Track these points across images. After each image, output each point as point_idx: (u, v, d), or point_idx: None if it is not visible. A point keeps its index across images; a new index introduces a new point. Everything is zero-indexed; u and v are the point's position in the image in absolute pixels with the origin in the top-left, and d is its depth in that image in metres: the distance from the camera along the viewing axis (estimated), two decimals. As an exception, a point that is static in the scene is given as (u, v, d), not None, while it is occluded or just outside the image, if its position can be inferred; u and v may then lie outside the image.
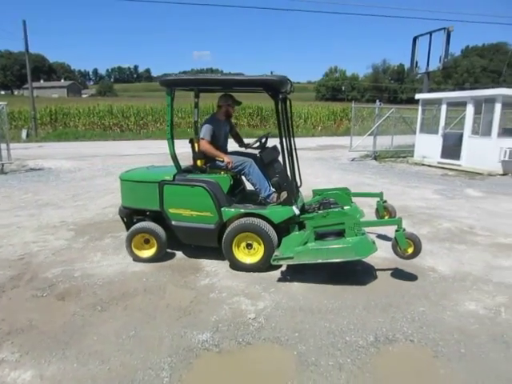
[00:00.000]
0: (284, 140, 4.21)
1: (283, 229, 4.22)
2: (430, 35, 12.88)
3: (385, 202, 5.01)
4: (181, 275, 4.03)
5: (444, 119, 12.00)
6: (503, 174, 10.63)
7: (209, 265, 4.29)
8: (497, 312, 3.23)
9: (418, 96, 13.05)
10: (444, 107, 11.94)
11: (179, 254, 4.60)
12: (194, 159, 4.45)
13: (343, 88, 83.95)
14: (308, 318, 3.18)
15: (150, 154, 14.51)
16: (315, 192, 5.06)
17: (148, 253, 4.38)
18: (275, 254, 3.80)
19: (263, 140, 4.59)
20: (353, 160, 13.90)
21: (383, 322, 3.08)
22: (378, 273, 4.03)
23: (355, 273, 4.06)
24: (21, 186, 8.65)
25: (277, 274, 4.04)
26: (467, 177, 10.42)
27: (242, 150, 4.88)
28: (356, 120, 16.23)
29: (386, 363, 2.61)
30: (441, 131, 11.99)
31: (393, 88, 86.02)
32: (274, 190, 4.37)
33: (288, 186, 4.19)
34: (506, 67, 26.83)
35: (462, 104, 11.64)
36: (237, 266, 4.15)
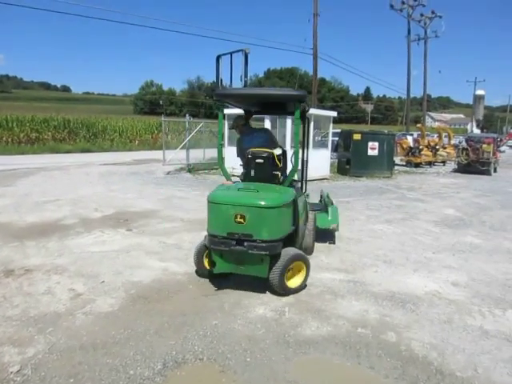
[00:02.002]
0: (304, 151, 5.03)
1: None
2: (231, 55, 13.90)
3: None
4: None
5: (247, 133, 12.97)
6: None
7: (-32, 312, 3.39)
8: (282, 312, 3.40)
9: (224, 111, 13.81)
10: (246, 122, 12.91)
11: None
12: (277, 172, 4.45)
13: (161, 102, 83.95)
14: (89, 356, 2.75)
15: None
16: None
17: (298, 281, 3.88)
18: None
19: None
20: (168, 174, 13.77)
21: (174, 345, 2.89)
22: (175, 291, 3.86)
23: (150, 297, 3.77)
24: None
25: (61, 309, 3.46)
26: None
27: None
28: (167, 134, 16.24)
29: (173, 392, 2.41)
30: (245, 144, 12.92)
31: (209, 104, 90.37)
32: None
33: None
34: (297, 88, 31.25)
35: (261, 119, 12.80)
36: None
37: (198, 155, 15.51)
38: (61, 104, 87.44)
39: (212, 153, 16.03)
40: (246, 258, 3.64)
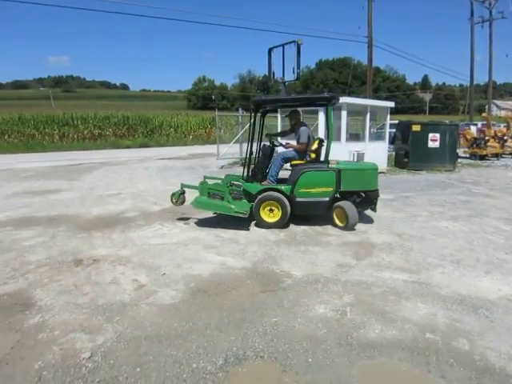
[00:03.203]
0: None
1: None
2: (283, 47, 13.76)
3: None
4: (4, 315, 3.30)
5: (301, 126, 12.78)
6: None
7: (43, 298, 3.62)
8: (343, 313, 3.29)
9: (276, 105, 13.71)
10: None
11: (5, 288, 3.81)
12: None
13: (213, 97, 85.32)
14: (153, 347, 2.83)
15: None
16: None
17: None
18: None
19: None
20: (222, 168, 13.95)
21: (235, 341, 2.89)
22: (233, 285, 3.87)
23: (209, 291, 3.81)
24: None
25: (126, 299, 3.59)
26: (324, 179, 11.20)
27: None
28: (220, 128, 16.46)
29: (235, 388, 2.41)
30: (299, 137, 12.74)
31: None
32: None
33: None
34: (350, 79, 30.43)
35: (315, 112, 12.57)
36: None
37: (251, 149, 15.56)
38: (120, 101, 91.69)
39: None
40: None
